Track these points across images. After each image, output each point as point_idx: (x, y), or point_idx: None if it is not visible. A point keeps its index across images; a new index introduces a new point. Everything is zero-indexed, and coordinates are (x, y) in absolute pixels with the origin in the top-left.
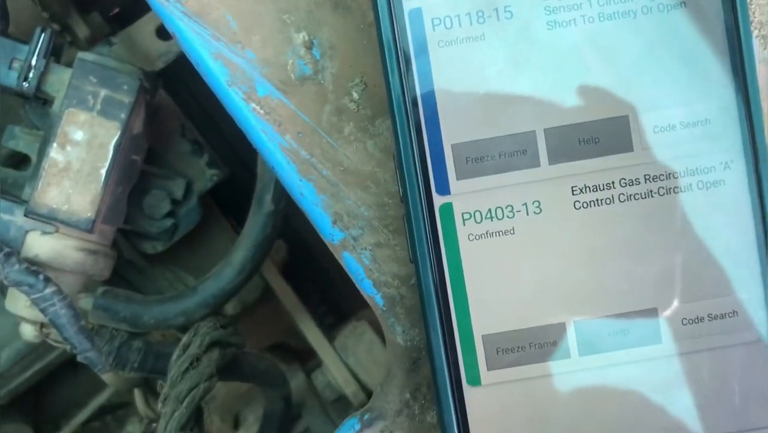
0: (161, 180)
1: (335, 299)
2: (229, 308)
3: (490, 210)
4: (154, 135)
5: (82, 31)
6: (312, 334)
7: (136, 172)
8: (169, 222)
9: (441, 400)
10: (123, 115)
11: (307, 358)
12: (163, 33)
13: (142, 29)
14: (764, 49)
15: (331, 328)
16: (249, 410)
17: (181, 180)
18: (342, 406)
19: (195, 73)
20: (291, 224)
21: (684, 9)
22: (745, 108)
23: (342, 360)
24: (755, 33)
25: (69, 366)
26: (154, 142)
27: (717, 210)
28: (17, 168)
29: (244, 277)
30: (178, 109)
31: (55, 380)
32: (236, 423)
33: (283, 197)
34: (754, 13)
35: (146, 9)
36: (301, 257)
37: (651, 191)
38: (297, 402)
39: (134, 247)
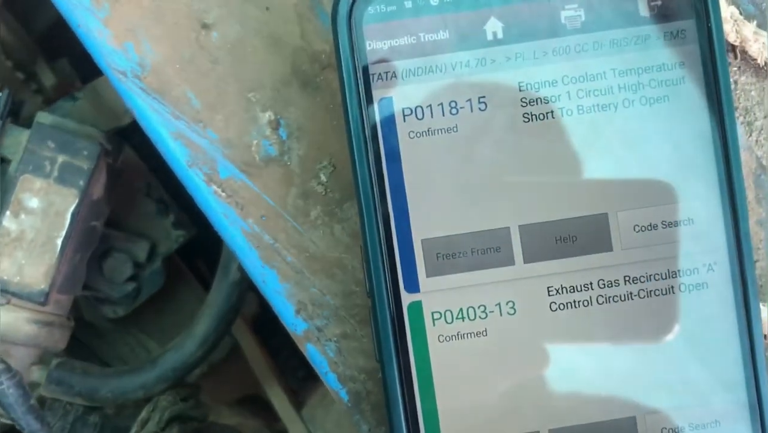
0: (123, 242)
1: None
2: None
3: (461, 310)
4: (117, 197)
5: (48, 79)
6: (279, 402)
7: (96, 238)
8: (131, 286)
9: None
10: (81, 182)
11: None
12: None
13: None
14: (749, 136)
15: (303, 381)
16: None
17: (145, 242)
18: None
19: None
20: None
21: (667, 103)
22: (730, 207)
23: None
24: (740, 120)
25: None
26: (116, 204)
27: (700, 315)
28: None
29: (206, 349)
30: (144, 167)
31: None
32: None
33: None
34: (738, 99)
35: None
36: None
37: (631, 294)
38: None
39: (94, 310)
